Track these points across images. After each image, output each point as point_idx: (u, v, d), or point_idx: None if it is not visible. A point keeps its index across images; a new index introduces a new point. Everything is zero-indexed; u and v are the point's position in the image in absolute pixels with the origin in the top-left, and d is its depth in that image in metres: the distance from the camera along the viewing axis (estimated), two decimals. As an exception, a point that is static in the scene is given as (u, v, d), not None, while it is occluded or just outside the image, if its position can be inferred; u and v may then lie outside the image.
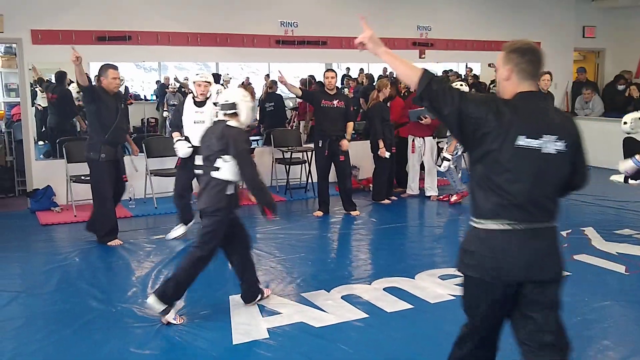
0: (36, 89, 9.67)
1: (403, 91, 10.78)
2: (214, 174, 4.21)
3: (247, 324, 4.23)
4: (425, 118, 7.96)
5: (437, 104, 2.57)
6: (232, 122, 4.23)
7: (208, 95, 6.09)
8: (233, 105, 4.22)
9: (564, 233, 6.58)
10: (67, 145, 7.87)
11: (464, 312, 2.73)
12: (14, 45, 8.45)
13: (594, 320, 4.33)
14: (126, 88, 12.08)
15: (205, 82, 6.10)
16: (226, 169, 4.18)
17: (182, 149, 6.06)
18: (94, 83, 6.41)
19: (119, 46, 8.11)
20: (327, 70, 7.79)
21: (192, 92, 6.23)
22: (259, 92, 14.17)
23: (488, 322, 2.69)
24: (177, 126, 6.27)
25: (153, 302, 4.17)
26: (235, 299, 4.65)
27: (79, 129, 9.14)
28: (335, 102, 7.27)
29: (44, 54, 7.84)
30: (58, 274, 5.43)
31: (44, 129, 10.73)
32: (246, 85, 13.82)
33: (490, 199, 2.51)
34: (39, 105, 9.00)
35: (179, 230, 6.41)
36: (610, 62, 13.10)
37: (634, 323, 4.42)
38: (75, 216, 7.33)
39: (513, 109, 2.51)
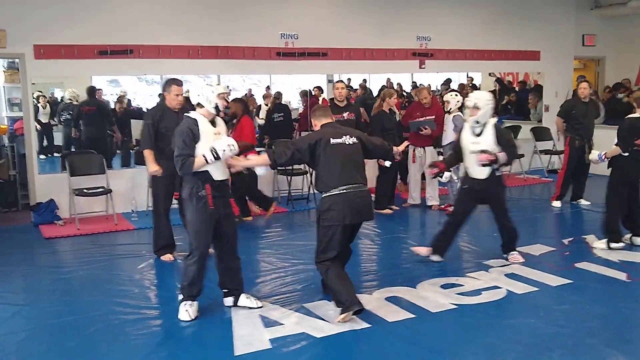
0: (38, 105, 9.79)
1: (404, 102, 10.85)
2: None
3: (249, 335, 4.24)
4: (425, 129, 7.99)
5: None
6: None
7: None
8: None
9: (565, 241, 6.60)
10: (70, 158, 7.93)
11: None
12: (17, 60, 8.52)
13: (596, 328, 4.34)
14: (129, 101, 12.18)
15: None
16: None
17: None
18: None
19: (121, 60, 8.17)
20: (337, 81, 7.80)
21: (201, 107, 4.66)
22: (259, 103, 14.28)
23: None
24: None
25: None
26: (238, 309, 4.66)
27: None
28: (345, 114, 7.29)
29: (46, 69, 7.90)
30: (61, 287, 5.46)
31: (46, 143, 10.86)
32: (249, 97, 13.94)
33: None
34: (40, 121, 9.14)
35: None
36: (611, 70, 13.13)
37: (636, 330, 4.42)
38: (78, 229, 7.36)
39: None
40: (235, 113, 7.43)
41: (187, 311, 4.54)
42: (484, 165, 5.54)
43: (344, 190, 4.46)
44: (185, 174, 4.51)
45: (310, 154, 4.55)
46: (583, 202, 8.35)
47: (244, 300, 4.77)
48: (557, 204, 8.33)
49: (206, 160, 4.40)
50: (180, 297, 4.63)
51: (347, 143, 4.58)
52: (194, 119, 4.50)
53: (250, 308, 4.71)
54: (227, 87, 5.05)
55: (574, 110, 8.28)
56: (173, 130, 5.27)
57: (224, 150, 4.40)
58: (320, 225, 4.55)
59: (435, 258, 5.85)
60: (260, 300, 4.84)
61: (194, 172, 4.45)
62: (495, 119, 5.75)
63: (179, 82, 5.89)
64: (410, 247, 6.15)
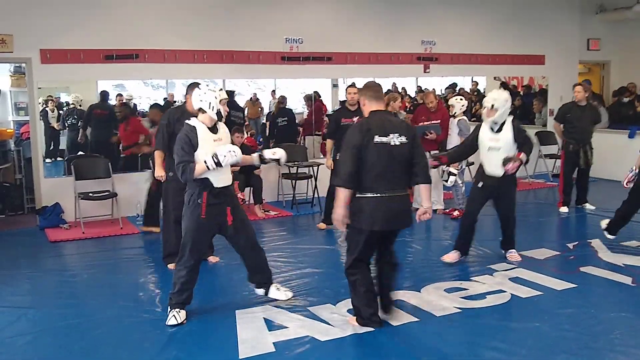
0: (46, 109, 9.86)
1: (409, 106, 10.87)
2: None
3: (254, 338, 4.24)
4: (431, 134, 7.99)
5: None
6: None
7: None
8: None
9: (570, 245, 6.59)
10: (76, 162, 7.96)
11: None
12: (23, 65, 8.57)
13: (601, 332, 4.33)
14: (134, 105, 12.23)
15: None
16: None
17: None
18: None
19: (127, 64, 8.21)
20: (349, 86, 7.79)
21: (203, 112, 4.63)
22: (265, 108, 14.31)
23: None
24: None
25: None
26: (242, 313, 4.67)
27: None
28: (355, 118, 7.30)
29: (52, 73, 7.95)
30: (66, 290, 5.48)
31: (52, 147, 10.93)
32: (254, 101, 13.97)
33: None
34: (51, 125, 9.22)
35: None
36: (615, 75, 13.11)
37: (641, 334, 4.41)
38: (83, 233, 7.39)
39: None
40: (126, 115, 7.91)
41: (174, 317, 4.54)
42: (513, 173, 5.74)
43: (379, 195, 4.12)
44: (187, 181, 4.50)
45: (359, 154, 4.11)
46: (588, 206, 8.33)
47: (274, 291, 4.94)
48: (564, 209, 8.30)
49: (207, 167, 4.39)
50: (170, 303, 4.62)
51: (392, 144, 4.10)
52: (193, 126, 4.47)
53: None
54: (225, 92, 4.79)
55: (569, 114, 8.26)
56: None
57: (224, 156, 4.36)
58: (349, 225, 4.26)
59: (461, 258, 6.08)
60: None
61: (195, 179, 4.46)
62: (511, 117, 5.85)
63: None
64: (440, 258, 6.08)
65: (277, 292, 4.95)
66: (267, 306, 4.83)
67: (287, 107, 10.95)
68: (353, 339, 4.24)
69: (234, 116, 9.33)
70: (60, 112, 11.11)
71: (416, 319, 4.55)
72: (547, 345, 4.11)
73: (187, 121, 4.58)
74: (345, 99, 7.56)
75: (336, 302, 4.90)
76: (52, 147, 10.86)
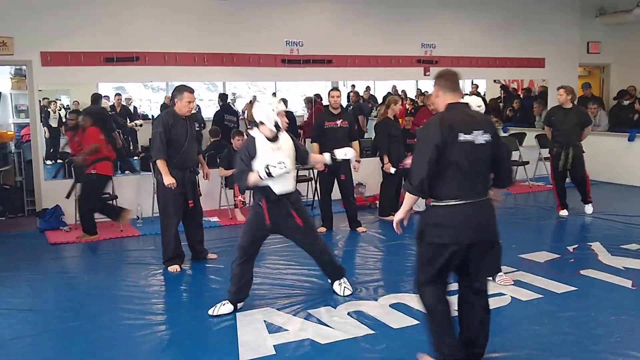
0: (48, 110, 9.88)
1: (410, 108, 10.87)
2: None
3: (254, 341, 4.24)
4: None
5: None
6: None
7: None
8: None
9: (570, 248, 6.59)
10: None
11: None
12: (23, 67, 8.58)
13: (601, 335, 4.32)
14: (135, 108, 12.25)
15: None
16: None
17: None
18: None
19: (127, 67, 8.23)
20: (332, 89, 7.85)
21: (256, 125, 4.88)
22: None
23: None
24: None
25: None
26: (242, 315, 4.67)
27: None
28: (338, 122, 7.33)
29: (53, 76, 7.96)
30: (67, 293, 5.48)
31: (52, 150, 10.93)
32: (254, 104, 13.96)
33: None
34: (50, 126, 9.21)
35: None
36: (615, 78, 13.13)
37: (641, 338, 4.41)
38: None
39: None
40: (77, 124, 7.69)
41: (223, 306, 4.81)
42: None
43: (462, 202, 3.47)
44: (244, 188, 4.85)
45: (438, 155, 3.44)
46: (587, 208, 8.31)
47: (336, 286, 5.19)
48: (563, 212, 8.27)
49: (260, 177, 4.61)
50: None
51: (477, 142, 3.46)
52: (253, 137, 4.77)
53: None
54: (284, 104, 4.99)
55: (553, 117, 8.27)
56: (183, 137, 5.63)
57: (274, 167, 4.55)
58: (422, 241, 3.63)
59: None
60: (261, 303, 4.91)
61: (257, 187, 4.77)
62: None
63: (190, 89, 5.91)
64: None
65: (338, 287, 5.18)
66: (268, 309, 4.83)
67: (287, 109, 10.97)
68: (353, 342, 4.23)
69: (228, 120, 9.35)
70: (61, 112, 11.12)
71: (417, 322, 4.54)
72: (547, 348, 4.10)
73: (250, 131, 4.91)
74: (329, 103, 7.59)
75: (336, 305, 4.90)
76: (52, 149, 10.86)
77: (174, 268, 6.02)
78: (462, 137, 3.43)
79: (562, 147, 8.06)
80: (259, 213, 4.79)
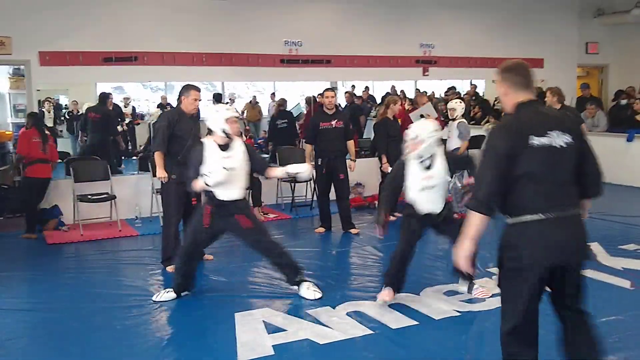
0: (42, 109, 9.89)
1: (409, 108, 10.85)
2: None
3: (253, 341, 4.24)
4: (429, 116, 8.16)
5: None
6: None
7: None
8: None
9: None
10: (74, 164, 7.96)
11: None
12: (22, 67, 8.57)
13: (600, 335, 4.31)
14: (133, 108, 12.25)
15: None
16: None
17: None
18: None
19: (126, 67, 8.23)
20: (326, 90, 7.85)
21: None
22: (264, 110, 14.30)
23: None
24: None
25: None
26: (241, 315, 4.67)
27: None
28: (333, 122, 7.32)
29: (51, 75, 7.95)
30: (65, 293, 5.46)
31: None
32: (254, 105, 13.99)
33: None
34: (46, 126, 9.18)
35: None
36: (614, 78, 13.15)
37: (640, 338, 4.41)
38: (81, 235, 7.38)
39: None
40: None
41: (167, 293, 5.11)
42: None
43: (544, 217, 2.88)
44: (192, 194, 4.99)
45: (508, 165, 2.87)
46: None
47: (303, 291, 5.09)
48: None
49: (205, 183, 4.73)
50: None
51: (556, 145, 2.88)
52: (203, 143, 4.89)
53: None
54: (237, 110, 4.92)
55: None
56: (188, 134, 5.69)
57: (207, 176, 4.71)
58: (503, 271, 3.04)
59: None
60: (260, 304, 4.89)
61: (205, 191, 4.86)
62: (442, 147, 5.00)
63: (197, 88, 5.97)
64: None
65: (307, 291, 5.09)
66: (267, 309, 4.83)
67: (287, 109, 10.98)
68: (352, 343, 4.22)
69: None
70: (57, 112, 11.13)
71: (415, 322, 4.54)
72: (546, 348, 4.07)
73: (203, 139, 4.97)
74: (323, 103, 7.60)
75: (335, 305, 4.89)
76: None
77: (171, 268, 6.00)
78: (536, 141, 2.84)
79: None
80: (200, 215, 4.94)
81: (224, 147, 4.83)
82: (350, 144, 7.50)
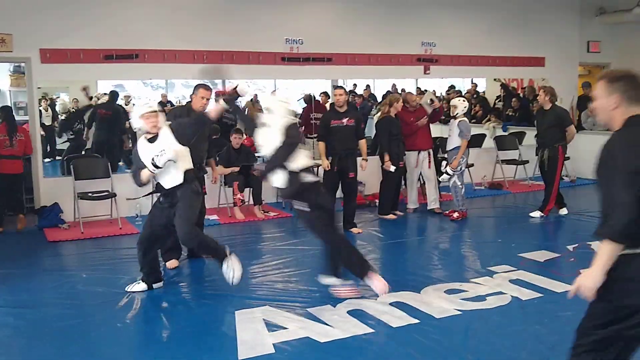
0: (40, 109, 9.89)
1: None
2: None
3: (253, 339, 4.23)
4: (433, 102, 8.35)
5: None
6: None
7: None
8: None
9: (570, 247, 6.58)
10: (75, 162, 7.95)
11: None
12: (22, 64, 8.56)
13: (601, 334, 4.31)
14: (134, 106, 12.23)
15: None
16: None
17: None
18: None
19: (127, 64, 8.21)
20: (336, 87, 7.82)
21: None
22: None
23: None
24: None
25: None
26: (242, 314, 4.66)
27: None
28: (344, 120, 7.28)
29: (52, 73, 7.94)
30: (65, 291, 5.46)
31: (49, 149, 10.91)
32: (254, 103, 13.94)
33: None
34: (44, 124, 9.20)
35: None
36: (616, 77, 13.11)
37: (641, 337, 4.39)
38: (82, 233, 7.38)
39: None
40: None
41: (138, 284, 5.28)
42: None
43: None
44: (140, 186, 5.17)
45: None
46: (535, 212, 8.15)
47: (224, 268, 5.06)
48: (563, 211, 8.27)
49: (150, 171, 4.87)
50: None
51: None
52: (139, 141, 5.11)
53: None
54: (151, 105, 5.02)
55: (535, 118, 8.54)
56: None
57: (157, 156, 4.79)
58: (603, 301, 2.67)
59: None
60: (260, 302, 4.92)
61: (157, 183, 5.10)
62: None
63: (207, 87, 6.02)
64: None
65: (226, 268, 5.06)
66: (267, 307, 4.82)
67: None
68: (353, 341, 4.22)
69: (226, 118, 9.34)
70: (56, 110, 11.11)
71: (416, 321, 4.53)
72: (548, 348, 4.09)
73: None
74: (334, 102, 7.57)
75: (336, 303, 4.88)
76: (48, 147, 10.86)
77: (172, 264, 6.03)
78: None
79: (539, 148, 8.20)
80: (155, 208, 5.22)
81: (152, 140, 5.00)
82: (362, 142, 7.49)
